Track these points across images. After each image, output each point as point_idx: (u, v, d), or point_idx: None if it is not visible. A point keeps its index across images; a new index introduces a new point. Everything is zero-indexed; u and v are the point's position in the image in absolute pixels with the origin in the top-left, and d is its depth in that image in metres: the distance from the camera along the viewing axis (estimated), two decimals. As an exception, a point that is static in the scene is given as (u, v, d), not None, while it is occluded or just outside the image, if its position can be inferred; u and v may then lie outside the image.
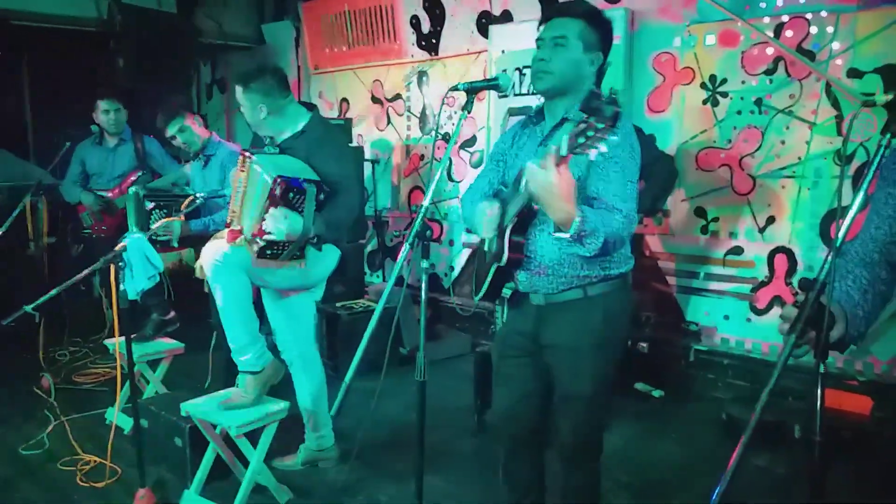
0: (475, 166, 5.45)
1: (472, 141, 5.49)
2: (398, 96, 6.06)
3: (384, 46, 6.04)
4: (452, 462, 3.34)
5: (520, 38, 4.73)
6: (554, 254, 2.01)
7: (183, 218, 3.56)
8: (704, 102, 4.29)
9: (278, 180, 2.70)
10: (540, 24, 2.10)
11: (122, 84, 5.74)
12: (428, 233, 1.93)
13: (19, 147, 6.36)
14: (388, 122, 6.16)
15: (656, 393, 4.22)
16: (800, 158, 3.97)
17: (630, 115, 4.39)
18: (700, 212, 4.38)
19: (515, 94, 4.74)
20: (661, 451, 3.54)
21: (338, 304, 4.80)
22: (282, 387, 3.13)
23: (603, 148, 1.55)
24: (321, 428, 3.26)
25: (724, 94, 4.21)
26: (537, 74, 2.04)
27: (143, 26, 5.87)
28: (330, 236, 2.94)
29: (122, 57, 5.89)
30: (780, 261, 4.09)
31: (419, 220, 1.88)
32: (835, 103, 3.84)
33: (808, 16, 3.86)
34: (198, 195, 3.29)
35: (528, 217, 2.00)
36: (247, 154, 2.91)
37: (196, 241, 3.84)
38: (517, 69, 4.72)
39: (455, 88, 2.02)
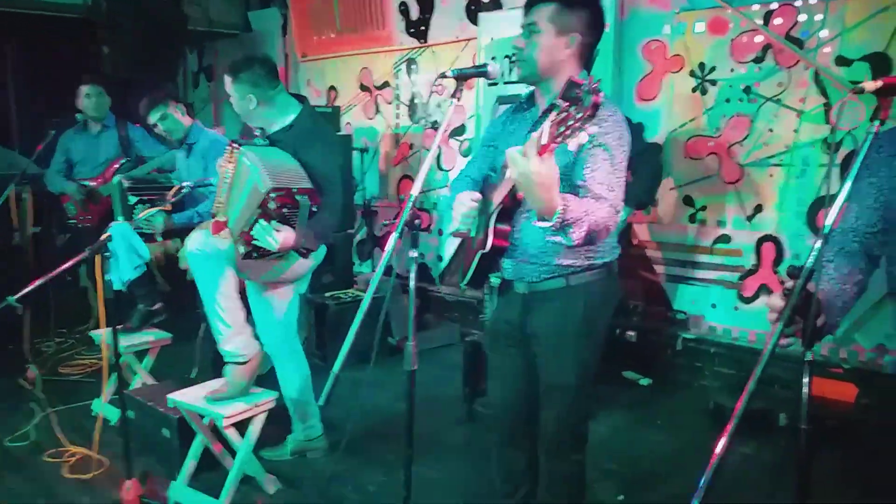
0: (465, 155, 5.44)
1: (461, 129, 5.46)
2: (386, 84, 6.02)
3: (372, 33, 5.99)
4: (441, 452, 3.34)
5: (509, 25, 4.70)
6: (538, 242, 2.01)
7: (170, 208, 3.53)
8: (693, 90, 4.28)
9: (272, 194, 2.66)
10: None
11: (108, 71, 5.67)
12: (417, 222, 1.91)
13: (3, 136, 6.29)
14: (377, 110, 6.12)
15: (644, 381, 4.24)
16: (787, 147, 3.98)
17: (619, 103, 4.39)
18: (688, 200, 4.38)
19: (505, 82, 4.71)
20: (649, 439, 3.56)
21: (326, 295, 4.78)
22: (269, 377, 3.12)
23: (583, 137, 1.54)
24: (309, 418, 3.25)
25: (713, 83, 4.20)
26: (517, 63, 2.04)
27: (130, 13, 5.80)
28: (315, 246, 2.93)
29: (107, 44, 5.82)
30: (768, 249, 4.11)
31: (408, 209, 1.86)
32: (823, 91, 3.84)
33: (797, 3, 3.86)
34: (185, 184, 3.25)
35: (512, 204, 1.99)
36: (235, 145, 2.87)
37: (182, 232, 3.82)
38: (507, 56, 4.70)
39: (444, 76, 2.00)
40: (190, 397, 2.90)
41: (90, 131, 4.63)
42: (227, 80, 2.99)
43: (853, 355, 3.84)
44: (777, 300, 1.44)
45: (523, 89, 2.28)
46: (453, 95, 1.98)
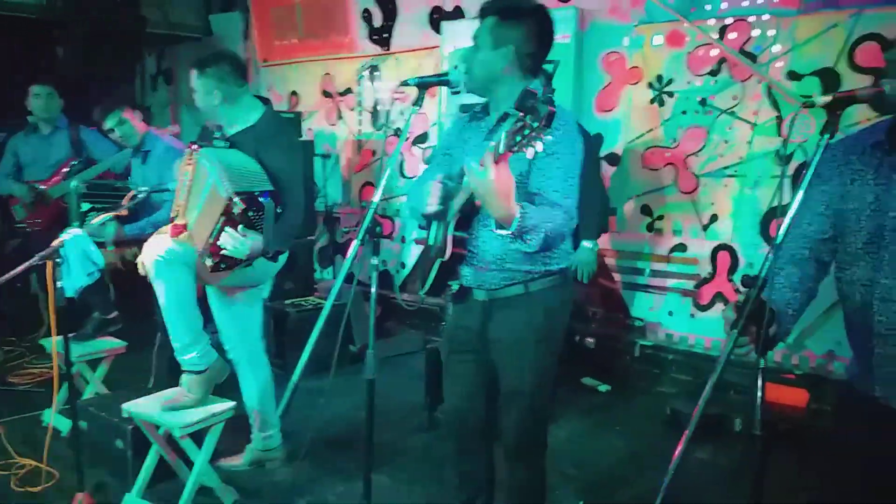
0: (428, 162, 5.44)
1: (424, 137, 5.47)
2: (349, 90, 6.00)
3: (335, 40, 5.97)
4: (402, 460, 3.33)
5: (472, 34, 4.73)
6: (496, 249, 2.03)
7: (125, 213, 3.45)
8: (651, 102, 4.37)
9: (235, 199, 2.62)
10: None
11: (63, 73, 5.54)
12: (378, 229, 1.91)
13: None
14: (339, 116, 6.10)
15: (603, 387, 4.29)
16: (742, 158, 4.08)
17: (578, 113, 4.45)
18: (646, 210, 4.46)
19: (468, 91, 4.73)
20: (608, 444, 3.60)
21: (286, 302, 4.72)
22: (228, 386, 3.07)
23: (539, 146, 1.57)
24: (268, 428, 3.21)
25: (671, 94, 4.29)
26: (464, 76, 2.08)
27: (87, 14, 5.67)
28: (282, 247, 2.90)
29: (63, 45, 5.69)
30: (723, 258, 4.20)
31: (369, 216, 1.86)
32: (775, 105, 3.96)
33: (751, 19, 3.97)
34: (140, 189, 3.19)
35: (471, 212, 2.01)
36: (194, 147, 2.83)
37: (134, 242, 3.73)
38: (455, 66, 4.72)
39: (405, 83, 2.01)
40: (145, 407, 2.84)
41: (41, 133, 4.51)
42: (193, 73, 2.95)
43: (804, 361, 3.95)
44: (731, 312, 1.48)
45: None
46: (415, 103, 1.99)
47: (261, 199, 2.69)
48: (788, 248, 1.66)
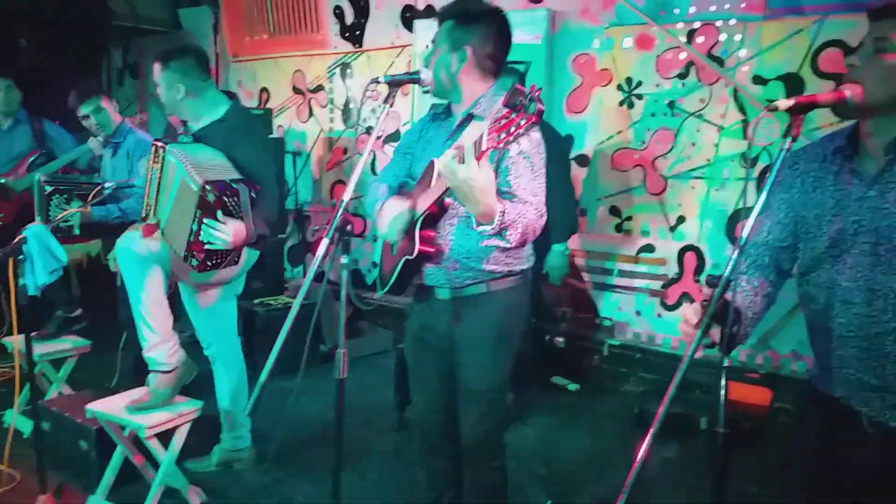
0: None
1: (396, 135, 5.46)
2: (320, 87, 5.96)
3: (306, 36, 5.93)
4: (372, 460, 3.33)
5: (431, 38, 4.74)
6: (462, 248, 2.05)
7: (88, 209, 3.39)
8: (621, 104, 4.41)
9: (208, 187, 2.56)
10: None
11: (24, 66, 5.41)
12: (349, 227, 1.90)
13: None
14: (311, 113, 6.06)
15: (572, 387, 4.32)
16: (709, 160, 4.15)
17: (549, 114, 4.48)
18: (615, 210, 4.51)
19: (430, 93, 4.74)
20: (577, 443, 3.63)
21: (255, 301, 4.68)
22: (198, 385, 3.04)
23: (525, 143, 1.58)
24: (238, 428, 3.18)
25: (640, 97, 4.34)
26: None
27: (51, 5, 5.55)
28: (267, 231, 2.85)
29: (25, 37, 5.56)
30: (690, 259, 4.27)
31: (338, 213, 1.85)
32: (741, 108, 4.03)
33: (718, 23, 4.04)
34: (106, 184, 3.14)
35: (439, 211, 2.02)
36: (159, 143, 2.79)
37: (103, 232, 3.68)
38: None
39: (376, 81, 2.00)
40: (110, 407, 2.79)
41: (0, 127, 4.41)
42: (157, 67, 2.90)
43: (768, 361, 4.03)
44: (690, 311, 1.50)
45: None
46: (386, 101, 1.99)
47: (234, 186, 2.65)
48: (751, 254, 1.69)
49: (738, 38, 3.99)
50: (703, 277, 4.18)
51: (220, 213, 2.59)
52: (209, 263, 2.68)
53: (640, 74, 4.33)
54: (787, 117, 1.43)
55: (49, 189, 3.68)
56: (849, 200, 1.51)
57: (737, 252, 1.39)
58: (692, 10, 4.11)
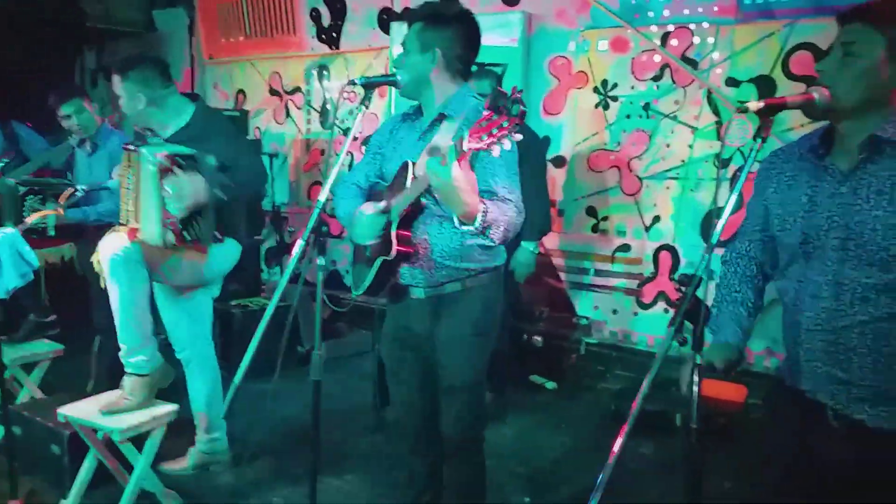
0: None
1: (372, 137, 5.45)
2: (297, 89, 5.94)
3: (283, 38, 5.90)
4: (350, 461, 3.32)
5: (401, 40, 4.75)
6: (439, 247, 2.06)
7: (61, 212, 3.35)
8: (596, 106, 4.45)
9: (159, 156, 2.60)
10: None
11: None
12: (325, 228, 1.90)
13: None
14: (288, 115, 6.03)
15: (550, 385, 4.35)
16: (683, 161, 4.20)
17: (527, 116, 4.50)
18: (591, 211, 4.55)
19: (401, 95, 4.75)
20: (554, 441, 3.65)
21: (232, 303, 4.65)
22: (173, 387, 3.01)
23: (507, 144, 1.60)
24: (214, 430, 3.15)
25: (615, 99, 4.38)
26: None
27: (22, 6, 5.47)
28: (243, 192, 2.85)
29: (-6, 37, 5.48)
30: (665, 258, 4.32)
31: (315, 215, 1.85)
32: (715, 110, 4.09)
33: (692, 26, 4.09)
34: (78, 187, 3.10)
35: (415, 211, 2.03)
36: (131, 147, 2.76)
37: (76, 235, 3.63)
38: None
39: (352, 83, 2.01)
40: (83, 411, 2.75)
41: (-31, 129, 4.34)
42: (116, 78, 2.88)
43: (743, 357, 4.08)
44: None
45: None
46: (362, 103, 1.99)
47: (190, 152, 2.66)
48: (740, 269, 1.79)
49: (711, 40, 4.04)
50: (678, 276, 4.24)
51: (177, 169, 2.60)
52: (187, 235, 2.66)
53: (615, 77, 4.37)
54: (758, 118, 1.46)
55: (23, 190, 3.63)
56: (822, 197, 1.55)
57: (709, 252, 1.41)
58: (666, 13, 4.16)
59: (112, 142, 3.73)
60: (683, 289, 1.44)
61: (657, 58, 4.23)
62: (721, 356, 1.74)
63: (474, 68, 2.27)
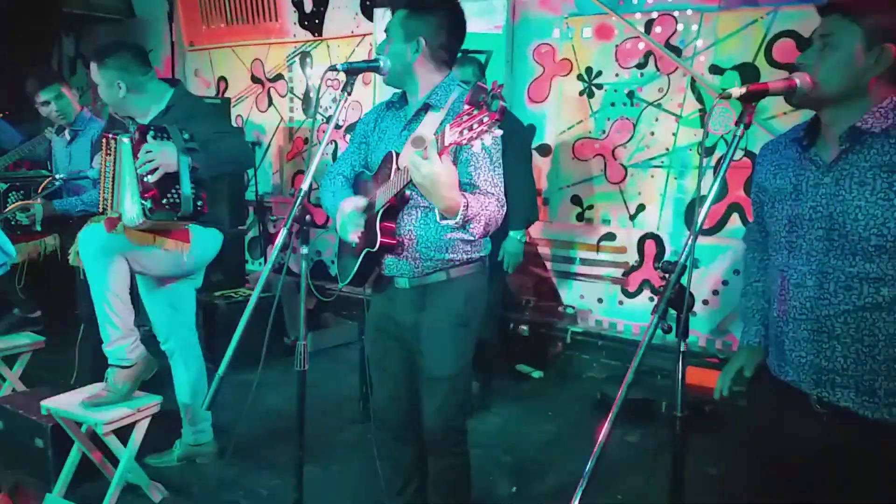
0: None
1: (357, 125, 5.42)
2: (280, 76, 5.88)
3: (265, 25, 5.84)
4: (336, 451, 3.32)
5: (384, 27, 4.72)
6: (423, 238, 2.05)
7: (40, 201, 3.31)
8: (581, 94, 4.45)
9: (134, 131, 2.60)
10: None
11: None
12: (308, 218, 1.89)
13: None
14: (270, 103, 5.97)
15: (536, 374, 4.37)
16: (668, 149, 4.21)
17: (511, 104, 4.49)
18: (576, 200, 4.55)
19: (385, 83, 4.72)
20: (540, 429, 3.67)
21: (216, 294, 4.62)
22: (159, 380, 2.99)
23: (488, 140, 1.59)
24: (199, 422, 3.14)
25: (599, 87, 4.38)
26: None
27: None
28: (225, 169, 2.84)
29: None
30: (650, 246, 4.34)
31: (297, 203, 1.83)
32: (699, 98, 4.09)
33: (676, 14, 4.09)
34: (56, 176, 3.06)
35: (399, 203, 2.02)
36: (110, 135, 2.73)
37: (61, 226, 3.59)
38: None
39: (333, 69, 1.98)
40: (66, 403, 2.73)
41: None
42: (94, 66, 2.84)
43: (727, 346, 4.12)
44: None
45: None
46: (344, 89, 1.97)
47: (162, 125, 2.65)
48: (759, 287, 1.80)
49: (694, 28, 4.05)
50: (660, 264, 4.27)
51: (148, 139, 2.58)
52: (164, 203, 2.61)
53: (599, 64, 4.36)
54: (740, 105, 1.46)
55: (5, 187, 3.58)
56: (806, 187, 1.56)
57: (691, 239, 1.42)
58: (649, 0, 4.15)
59: (92, 129, 3.70)
60: (667, 276, 1.45)
61: (641, 45, 4.22)
62: (751, 362, 1.78)
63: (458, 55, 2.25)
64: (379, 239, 1.99)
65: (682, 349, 1.45)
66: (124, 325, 2.77)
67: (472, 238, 1.94)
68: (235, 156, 2.86)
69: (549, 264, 4.70)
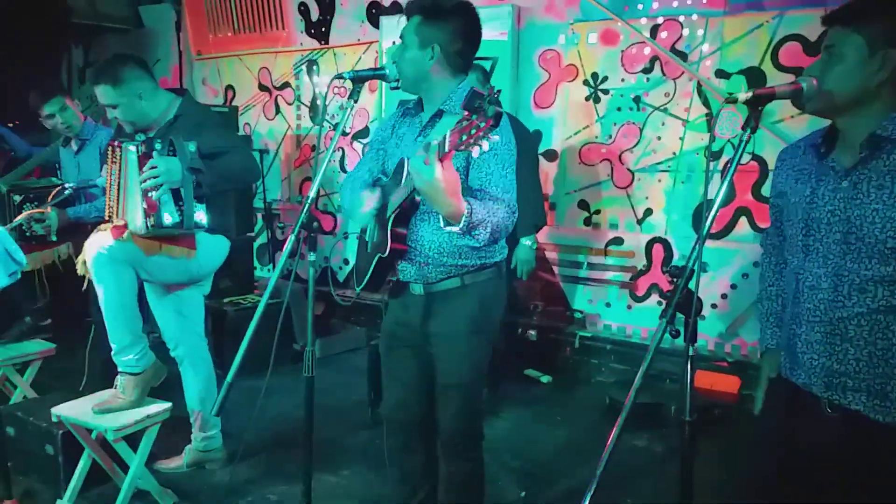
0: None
1: (364, 132, 5.44)
2: (287, 84, 5.91)
3: (271, 34, 5.88)
4: (345, 457, 3.32)
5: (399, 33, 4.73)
6: (435, 244, 2.04)
7: (49, 210, 3.33)
8: (587, 99, 4.45)
9: (140, 143, 2.64)
10: None
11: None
12: (315, 224, 1.89)
13: None
14: (277, 110, 6.00)
15: (544, 379, 4.36)
16: (674, 154, 4.21)
17: (517, 110, 4.50)
18: (583, 204, 4.55)
19: (401, 89, 4.73)
20: (549, 435, 3.66)
21: (225, 300, 4.64)
22: (168, 386, 3.01)
23: (485, 146, 1.58)
24: (209, 429, 3.15)
25: (605, 92, 4.38)
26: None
27: (6, 3, 5.41)
28: (230, 185, 2.86)
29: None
30: (658, 250, 4.33)
31: (304, 210, 1.84)
32: (705, 102, 4.09)
33: (681, 18, 4.09)
34: (66, 185, 3.08)
35: (410, 208, 2.02)
36: (116, 143, 2.76)
37: (73, 235, 3.61)
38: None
39: (340, 77, 1.99)
40: (76, 410, 2.75)
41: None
42: (106, 89, 2.80)
43: (736, 349, 4.10)
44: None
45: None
46: (351, 97, 1.98)
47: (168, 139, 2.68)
48: (780, 293, 1.78)
49: (700, 32, 4.05)
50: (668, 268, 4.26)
51: (154, 153, 2.63)
52: (167, 219, 2.65)
53: (605, 69, 4.37)
54: (747, 109, 1.47)
55: (19, 199, 3.61)
56: (824, 191, 1.57)
57: (699, 243, 1.42)
58: (655, 5, 4.16)
59: (99, 136, 3.73)
60: (675, 280, 1.45)
61: (647, 50, 4.23)
62: (771, 365, 1.77)
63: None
64: (389, 244, 2.00)
65: (690, 353, 1.45)
66: (132, 332, 2.78)
67: (477, 245, 1.91)
68: (241, 172, 2.87)
69: (556, 269, 4.70)
